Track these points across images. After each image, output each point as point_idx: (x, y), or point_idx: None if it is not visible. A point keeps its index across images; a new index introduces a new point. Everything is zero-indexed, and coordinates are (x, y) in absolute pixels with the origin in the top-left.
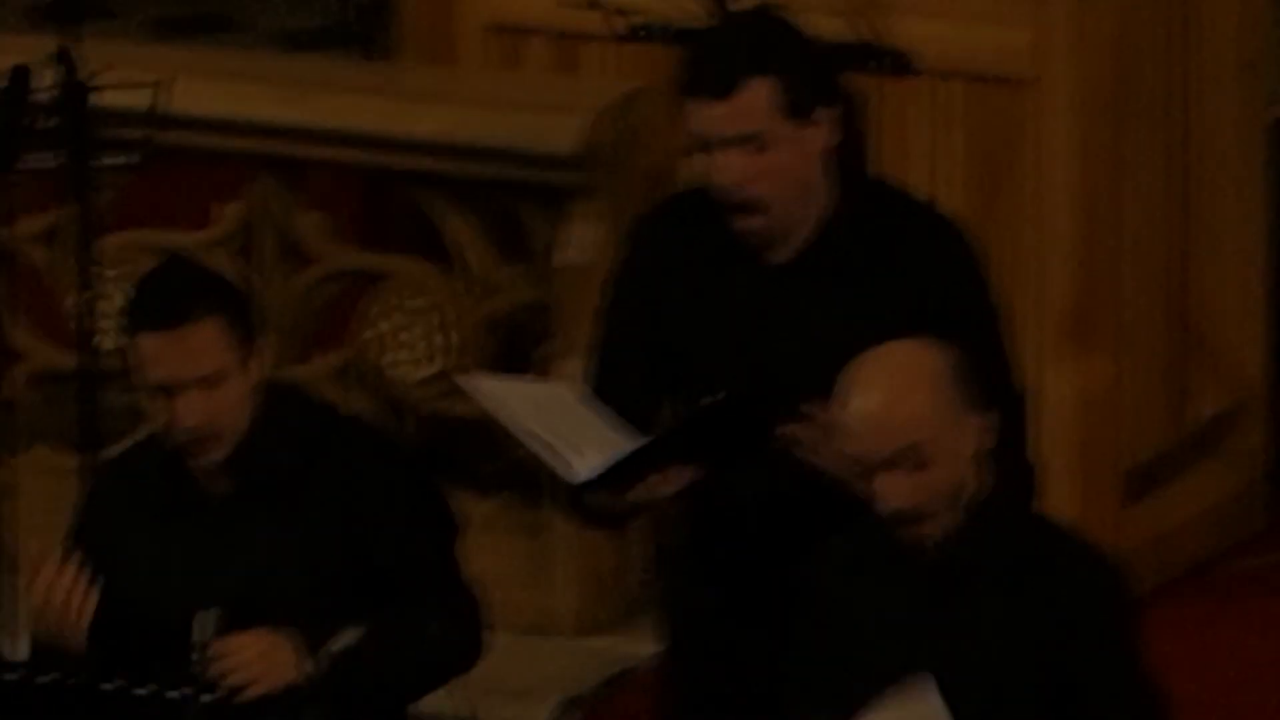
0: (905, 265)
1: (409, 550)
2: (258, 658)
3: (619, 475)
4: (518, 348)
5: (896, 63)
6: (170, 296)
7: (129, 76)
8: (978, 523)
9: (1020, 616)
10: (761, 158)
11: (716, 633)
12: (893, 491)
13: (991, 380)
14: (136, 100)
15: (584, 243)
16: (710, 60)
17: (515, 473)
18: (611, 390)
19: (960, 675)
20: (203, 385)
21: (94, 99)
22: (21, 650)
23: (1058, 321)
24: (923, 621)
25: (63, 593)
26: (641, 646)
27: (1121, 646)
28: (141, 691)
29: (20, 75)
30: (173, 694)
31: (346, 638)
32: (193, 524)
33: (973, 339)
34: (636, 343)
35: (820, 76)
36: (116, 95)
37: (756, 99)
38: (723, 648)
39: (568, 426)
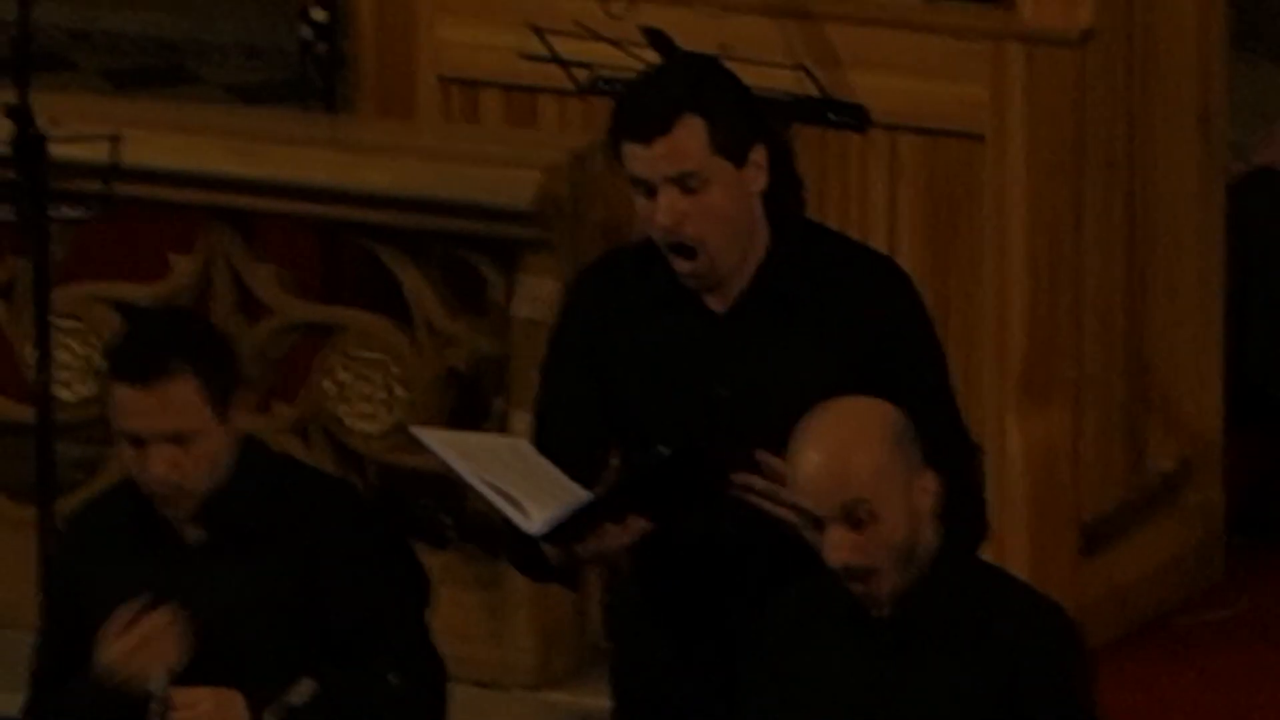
0: (846, 308)
1: (373, 608)
2: (209, 714)
3: (572, 527)
4: (474, 400)
5: (854, 116)
6: (150, 348)
7: (85, 129)
8: (930, 579)
9: (973, 672)
10: (698, 198)
11: (665, 685)
12: (840, 545)
13: (938, 424)
14: (93, 153)
15: (539, 296)
16: (644, 101)
17: (472, 525)
18: (555, 445)
19: None
20: (174, 440)
21: (50, 151)
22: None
23: (1014, 375)
24: (875, 678)
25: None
26: (599, 700)
27: (1075, 700)
28: None
29: None
30: None
31: (302, 690)
32: (163, 568)
33: (918, 381)
34: (578, 397)
35: (751, 117)
36: (73, 147)
37: (690, 138)
38: (672, 700)
39: (523, 478)
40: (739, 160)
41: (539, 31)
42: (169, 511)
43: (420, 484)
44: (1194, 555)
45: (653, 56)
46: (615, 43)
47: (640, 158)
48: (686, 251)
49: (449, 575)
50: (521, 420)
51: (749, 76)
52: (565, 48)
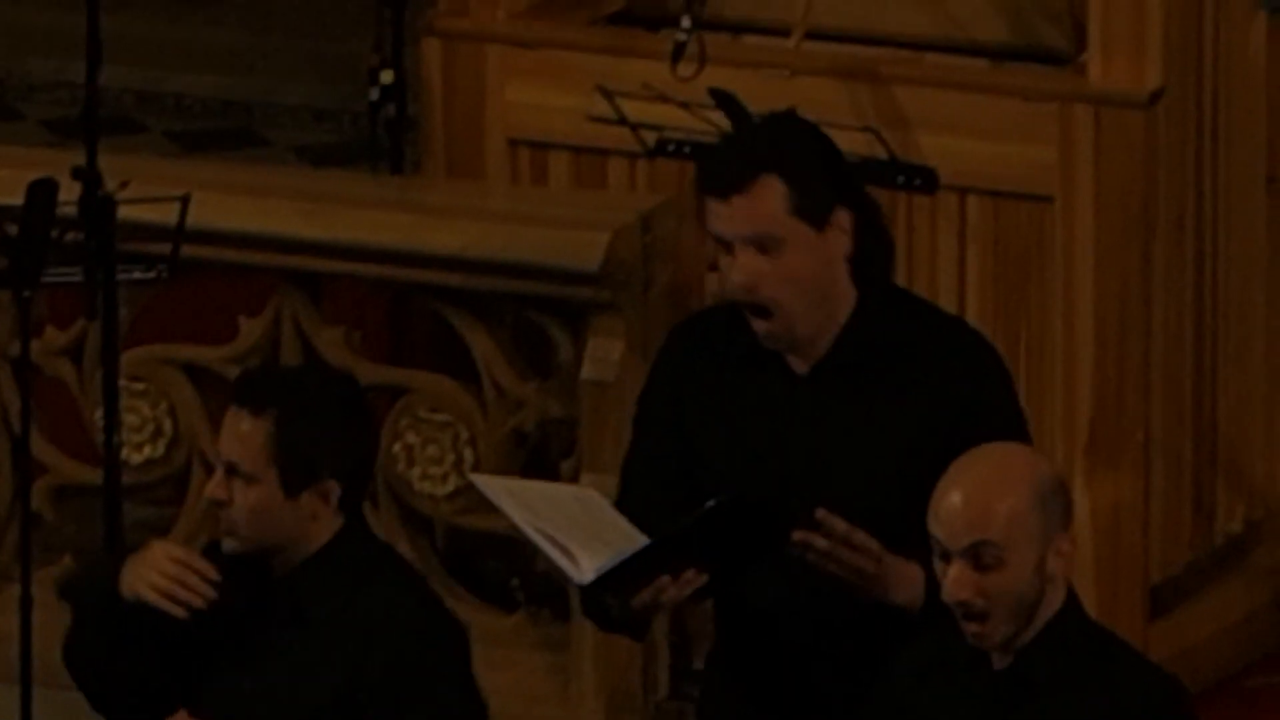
0: (928, 377)
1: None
2: None
3: (626, 577)
4: (542, 463)
5: (923, 178)
6: (251, 379)
7: (154, 190)
8: (1052, 636)
9: None
10: (773, 260)
11: None
12: (961, 582)
13: None
14: (161, 214)
15: (607, 358)
16: (726, 158)
17: (540, 587)
18: (638, 502)
19: None
20: (231, 470)
21: (119, 212)
22: None
23: (1082, 437)
24: None
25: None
26: None
27: None
28: None
29: (46, 188)
30: None
31: None
32: (241, 627)
33: None
34: (663, 455)
35: (836, 180)
36: (141, 209)
37: (767, 198)
38: None
39: (584, 527)
40: (819, 224)
41: (607, 94)
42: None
43: (488, 546)
44: (1263, 616)
45: (721, 119)
46: (684, 105)
47: (719, 215)
48: (762, 312)
49: (517, 637)
50: (589, 481)
51: None
52: (634, 110)
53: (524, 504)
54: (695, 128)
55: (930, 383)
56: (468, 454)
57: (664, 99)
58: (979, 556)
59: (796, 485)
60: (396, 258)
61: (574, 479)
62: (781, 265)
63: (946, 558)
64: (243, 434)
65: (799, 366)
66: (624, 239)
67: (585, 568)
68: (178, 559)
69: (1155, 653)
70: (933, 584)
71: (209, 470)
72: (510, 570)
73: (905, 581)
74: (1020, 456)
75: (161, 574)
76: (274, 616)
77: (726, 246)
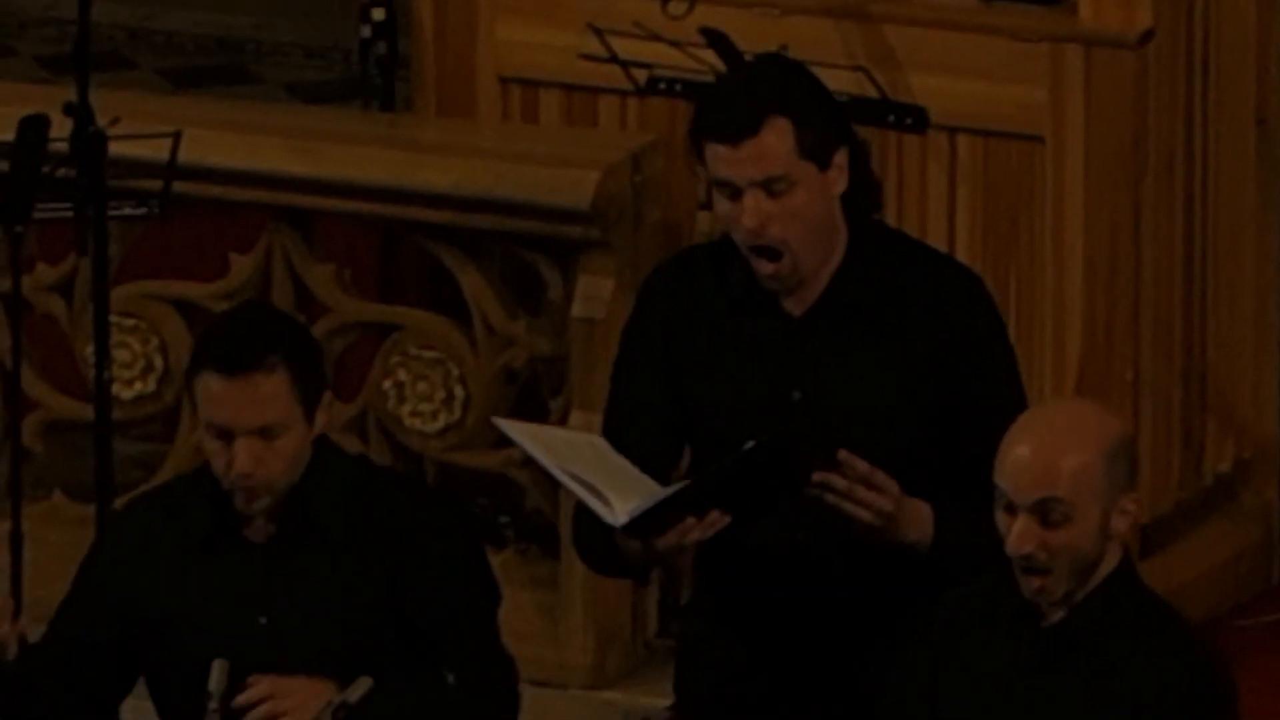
0: (922, 315)
1: (447, 608)
2: (309, 699)
3: (654, 519)
4: (532, 400)
5: (913, 118)
6: (245, 340)
7: (146, 127)
8: (1102, 596)
9: (1119, 697)
10: (781, 201)
11: (730, 692)
12: (1025, 536)
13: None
14: (153, 151)
15: (598, 296)
16: (731, 104)
17: (529, 525)
18: (622, 444)
19: None
20: (261, 434)
21: (110, 149)
22: None
23: (1071, 377)
24: (1034, 682)
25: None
26: (654, 699)
27: None
28: None
29: (38, 124)
30: None
31: (358, 688)
32: (231, 564)
33: (991, 391)
34: (649, 398)
35: (835, 120)
36: (133, 145)
37: (778, 141)
38: (736, 708)
39: (604, 470)
40: (823, 163)
41: (598, 32)
42: (243, 508)
43: (478, 484)
44: (1251, 557)
45: (711, 57)
46: (675, 43)
47: (726, 159)
48: (770, 254)
49: (506, 575)
50: (579, 419)
51: None
52: (624, 48)
53: (549, 448)
54: (686, 66)
55: (924, 321)
56: (458, 391)
57: (655, 37)
58: (1046, 513)
59: (796, 427)
60: (387, 195)
61: (564, 416)
62: (789, 206)
63: (1012, 510)
64: (265, 395)
65: (794, 308)
66: (614, 177)
67: (618, 510)
68: None
69: None
70: (940, 521)
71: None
72: (499, 508)
73: (917, 520)
74: (1091, 413)
75: None
76: (274, 548)
77: (731, 191)
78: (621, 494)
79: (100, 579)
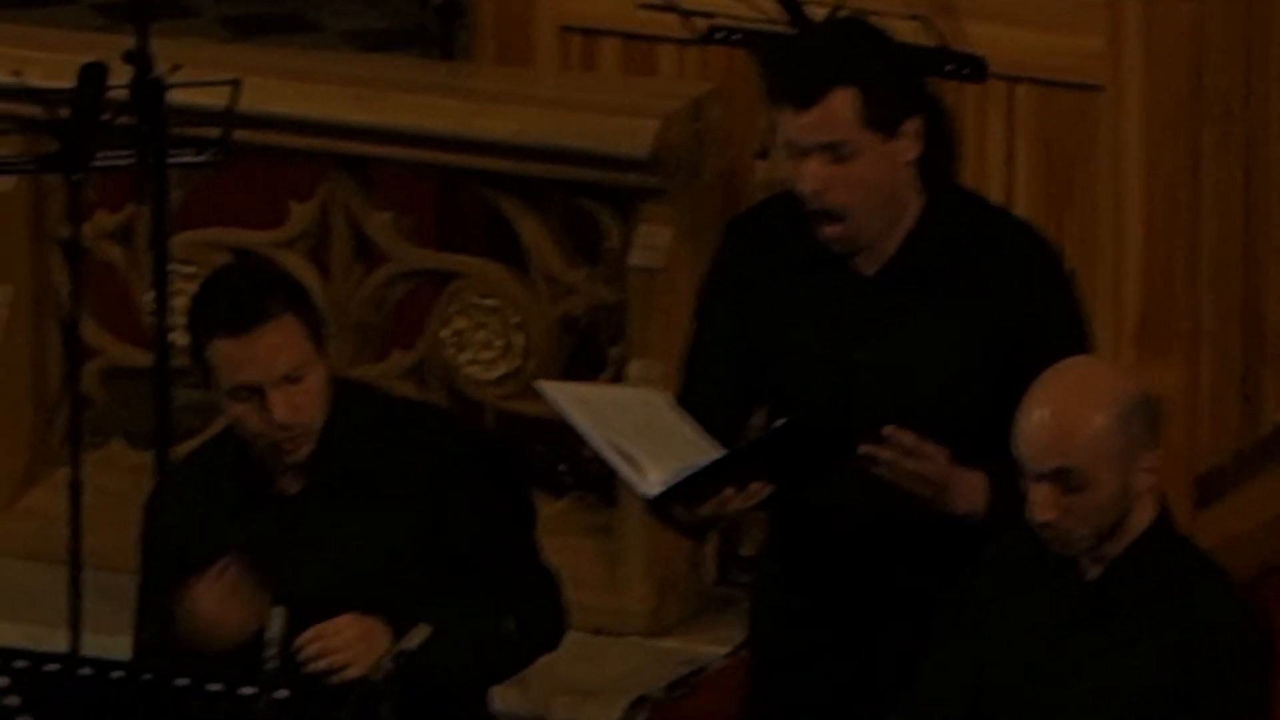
0: (991, 278)
1: (487, 536)
2: (356, 639)
3: (690, 489)
4: (591, 348)
5: (971, 67)
6: (241, 298)
7: (205, 75)
8: (1141, 551)
9: (1161, 655)
10: (844, 168)
11: (799, 639)
12: (1043, 503)
13: None
14: (212, 98)
15: (656, 245)
16: (796, 68)
17: (587, 473)
18: (699, 394)
19: (1089, 696)
20: (290, 380)
21: (169, 96)
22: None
23: (1130, 327)
24: (1072, 637)
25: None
26: (712, 646)
27: (1240, 702)
28: (214, 687)
29: (97, 72)
30: (245, 690)
31: (416, 636)
32: (264, 521)
33: (1056, 354)
34: (725, 347)
35: (906, 87)
36: (192, 93)
37: (840, 110)
38: (805, 655)
39: (650, 434)
40: (890, 132)
41: None
42: (286, 460)
43: (536, 432)
44: None
45: (770, 6)
46: None
47: (790, 122)
48: (830, 217)
49: (564, 523)
50: (638, 368)
51: None
52: None
53: (592, 411)
54: (745, 15)
55: (995, 286)
56: (517, 339)
57: None
58: (1063, 480)
59: (862, 388)
60: (446, 143)
61: (622, 365)
62: (851, 172)
63: (1030, 477)
64: (279, 342)
65: (865, 268)
66: (673, 125)
67: (652, 480)
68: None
69: (1200, 542)
70: (995, 490)
71: None
72: (558, 455)
73: (968, 490)
74: (1102, 376)
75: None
76: (307, 498)
77: (795, 152)
78: (660, 462)
79: (156, 554)
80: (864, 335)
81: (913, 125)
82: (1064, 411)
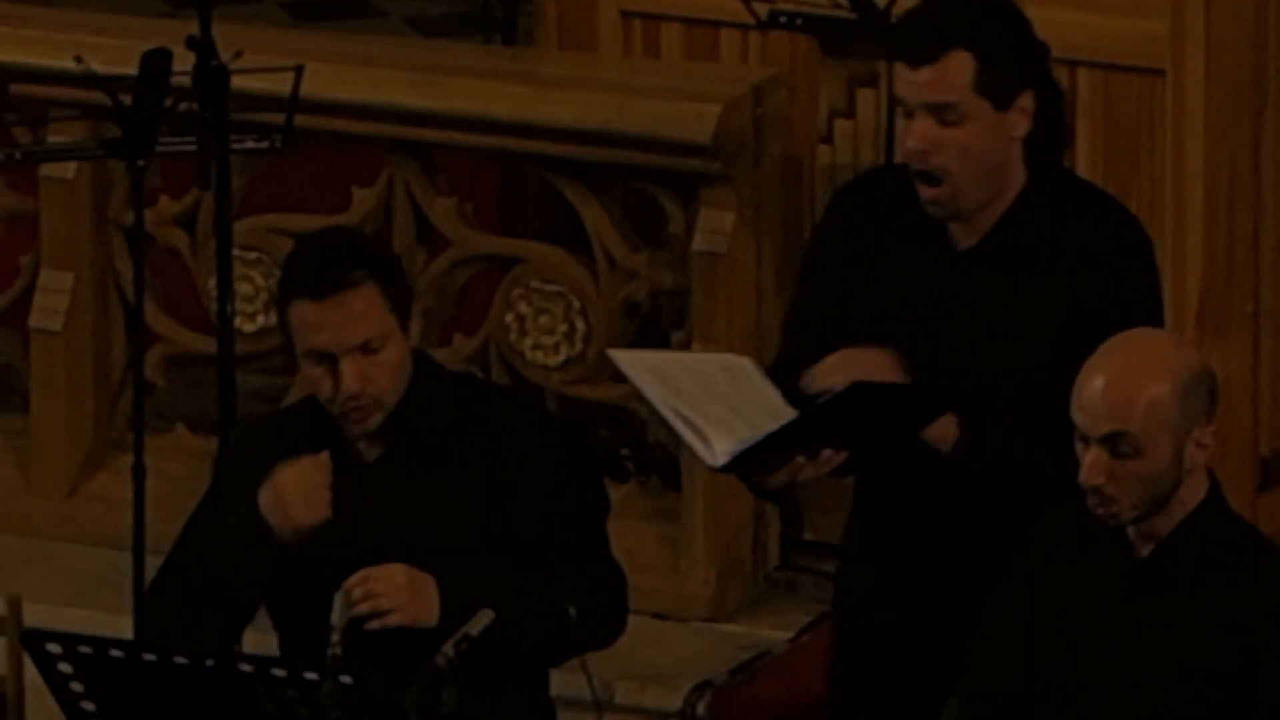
0: (1078, 259)
1: (557, 519)
2: (404, 587)
3: (760, 457)
4: (653, 333)
5: None
6: (328, 263)
7: (268, 61)
8: (1192, 529)
9: (1216, 630)
10: (951, 130)
11: (880, 618)
12: (1095, 467)
13: None
14: (275, 84)
15: (719, 230)
16: (920, 26)
17: (651, 457)
18: (796, 359)
19: (1142, 672)
20: (364, 350)
21: (233, 82)
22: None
23: (1191, 309)
24: (1124, 613)
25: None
26: (775, 631)
27: None
28: (278, 673)
29: (160, 58)
30: (310, 675)
31: (480, 621)
32: (343, 487)
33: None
34: (823, 313)
35: (1024, 63)
36: (254, 79)
37: (955, 72)
38: (885, 633)
39: (726, 402)
40: (1002, 104)
41: None
42: (355, 429)
43: (599, 416)
44: None
45: None
46: None
47: (904, 79)
48: (930, 179)
49: (627, 508)
50: (699, 352)
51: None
52: None
53: (664, 380)
54: (807, 0)
55: (1080, 267)
56: (579, 324)
57: None
58: (1116, 445)
59: (945, 358)
60: (509, 129)
61: (685, 349)
62: (957, 137)
63: (1085, 440)
64: (359, 311)
65: (962, 241)
66: (736, 111)
67: (718, 450)
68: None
69: (1264, 525)
70: (966, 430)
71: None
72: (621, 440)
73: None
74: (1165, 346)
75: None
76: (383, 468)
77: (905, 109)
78: (730, 430)
79: (222, 500)
80: (953, 308)
81: (1025, 101)
82: (1125, 377)
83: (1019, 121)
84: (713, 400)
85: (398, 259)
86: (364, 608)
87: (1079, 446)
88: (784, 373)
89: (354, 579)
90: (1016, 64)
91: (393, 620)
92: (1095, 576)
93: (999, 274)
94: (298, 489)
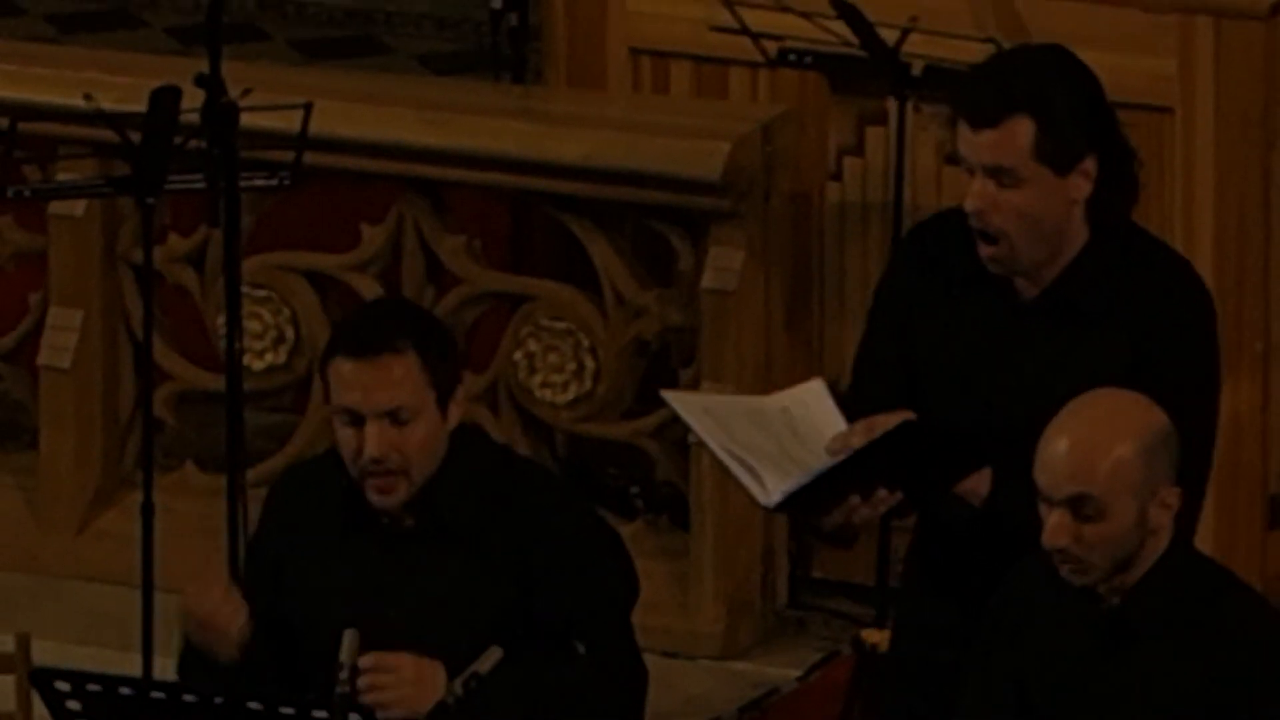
0: (1136, 315)
1: (579, 607)
2: (409, 681)
3: (814, 497)
4: (663, 371)
5: None
6: (376, 324)
7: (277, 98)
8: (1161, 577)
9: (1193, 676)
10: (1009, 193)
11: (937, 651)
12: (1058, 530)
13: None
14: (284, 122)
15: (728, 267)
16: (985, 87)
17: (660, 495)
18: (865, 401)
19: None
20: (392, 417)
21: (242, 120)
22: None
23: None
24: (1097, 664)
25: (211, 606)
26: (784, 670)
27: None
28: (287, 710)
29: (170, 95)
30: (319, 713)
31: (488, 659)
32: (368, 550)
33: (1174, 394)
34: (887, 355)
35: (1088, 127)
36: (264, 117)
37: (1014, 138)
38: (948, 668)
39: (780, 445)
40: (1063, 169)
41: (729, 3)
42: (376, 499)
43: (608, 454)
44: None
45: (842, 29)
46: (805, 15)
47: (966, 139)
48: (988, 238)
49: (636, 546)
50: (709, 391)
51: (938, 49)
52: (755, 20)
53: (718, 421)
54: (817, 38)
55: (1138, 325)
56: (588, 362)
57: (785, 9)
58: (1079, 507)
59: (1000, 407)
60: (518, 166)
61: (693, 387)
62: (1014, 200)
63: (1049, 502)
64: (395, 377)
65: (1025, 292)
66: (745, 148)
67: (771, 489)
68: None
69: (1274, 563)
70: (998, 483)
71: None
72: (629, 478)
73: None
74: (1130, 405)
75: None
76: (410, 538)
77: (968, 168)
78: (784, 472)
79: (263, 546)
80: (1012, 357)
81: (1088, 165)
82: (1088, 439)
83: (1080, 185)
84: (766, 441)
85: (453, 340)
86: (367, 699)
87: (1042, 509)
88: (853, 409)
89: (365, 662)
90: (1080, 129)
91: (395, 713)
92: (1067, 628)
93: (1059, 326)
94: (200, 607)
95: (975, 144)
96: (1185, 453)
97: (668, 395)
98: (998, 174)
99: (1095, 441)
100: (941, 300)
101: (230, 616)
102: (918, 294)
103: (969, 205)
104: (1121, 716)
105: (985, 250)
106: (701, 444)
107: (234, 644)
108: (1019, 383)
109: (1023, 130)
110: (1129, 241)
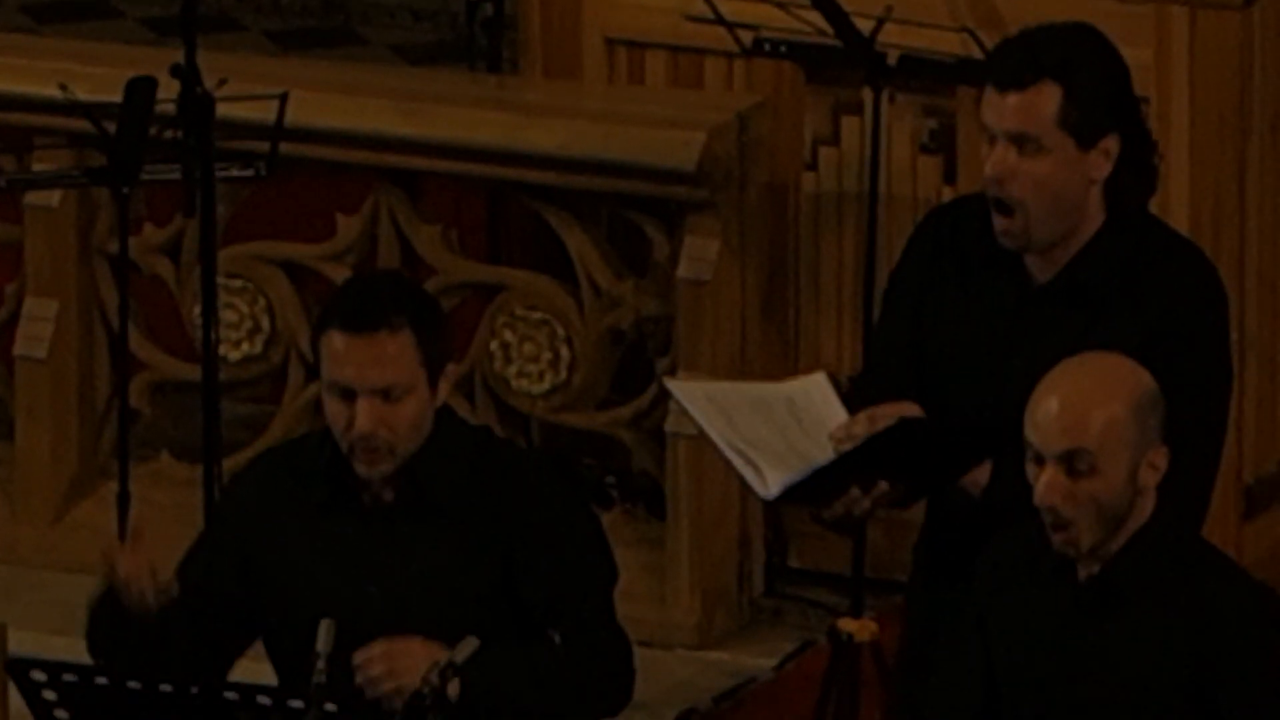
0: (1146, 304)
1: (562, 585)
2: (421, 657)
3: (814, 489)
4: (638, 361)
5: None
6: (373, 299)
7: (253, 89)
8: (1140, 548)
9: (1167, 646)
10: (1030, 161)
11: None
12: (1051, 487)
13: (1183, 421)
14: (259, 112)
15: (703, 257)
16: (1015, 52)
17: (636, 485)
18: (876, 383)
19: (1100, 695)
20: (384, 395)
21: (218, 110)
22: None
23: None
24: (1072, 634)
25: (132, 568)
26: (759, 659)
27: (1269, 695)
28: (263, 700)
29: (145, 86)
30: (295, 703)
31: (465, 648)
32: (346, 529)
33: (1180, 376)
34: (903, 337)
35: (1115, 106)
36: (239, 107)
37: (1041, 103)
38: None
39: (782, 436)
40: (1086, 143)
41: None
42: (362, 469)
43: (584, 444)
44: None
45: (816, 18)
46: (780, 4)
47: (992, 104)
48: (1004, 208)
49: (612, 535)
50: (685, 379)
51: (913, 39)
52: (730, 10)
53: (720, 410)
54: (792, 27)
55: (1149, 311)
56: (564, 352)
57: None
58: (1072, 463)
59: (1010, 390)
60: (493, 156)
61: (670, 376)
62: (1034, 168)
63: (1040, 461)
64: (389, 354)
65: (1038, 275)
66: (720, 138)
67: (770, 482)
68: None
69: (1249, 552)
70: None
71: (307, 369)
72: (605, 468)
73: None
74: (1121, 367)
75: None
76: (392, 515)
77: (990, 136)
78: (785, 464)
79: (223, 532)
80: (1022, 341)
81: (1110, 144)
82: (1081, 396)
83: (1100, 163)
84: (769, 432)
85: (444, 317)
86: (385, 687)
87: (1031, 470)
88: (863, 393)
89: (375, 653)
90: (1106, 106)
91: (386, 688)
92: (1044, 600)
93: (1070, 310)
94: (126, 571)
95: (1001, 108)
96: (1195, 442)
97: (670, 383)
98: (1020, 140)
99: (1088, 398)
100: (954, 284)
101: (144, 591)
102: (930, 276)
103: (989, 170)
104: (1099, 685)
105: (1000, 223)
106: (684, 436)
107: (149, 607)
108: (1030, 367)
109: (1049, 96)
110: (1144, 228)
